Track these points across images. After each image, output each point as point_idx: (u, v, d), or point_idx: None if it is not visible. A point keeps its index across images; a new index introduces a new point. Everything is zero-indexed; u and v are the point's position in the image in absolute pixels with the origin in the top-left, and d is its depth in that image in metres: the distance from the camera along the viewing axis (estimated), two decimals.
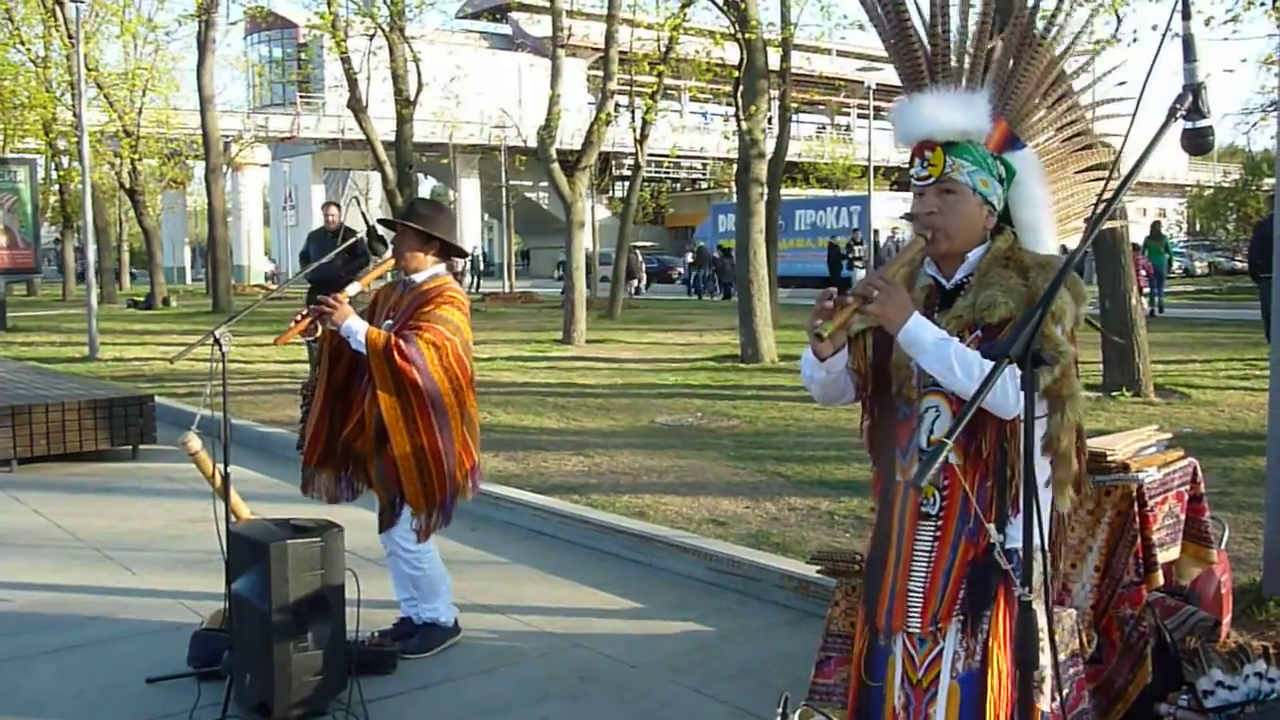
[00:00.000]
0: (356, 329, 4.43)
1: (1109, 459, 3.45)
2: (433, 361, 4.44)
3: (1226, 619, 3.88)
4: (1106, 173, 2.76)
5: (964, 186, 2.54)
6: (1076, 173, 2.81)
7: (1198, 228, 69.07)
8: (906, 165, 2.68)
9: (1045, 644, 2.51)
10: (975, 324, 2.49)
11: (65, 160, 32.05)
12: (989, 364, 2.36)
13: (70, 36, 22.30)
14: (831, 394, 2.70)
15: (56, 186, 33.65)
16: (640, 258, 37.92)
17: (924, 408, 2.55)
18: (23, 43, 29.04)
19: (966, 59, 2.71)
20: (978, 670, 2.47)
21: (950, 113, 2.58)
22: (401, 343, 4.39)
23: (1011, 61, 2.71)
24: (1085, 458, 2.62)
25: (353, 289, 4.68)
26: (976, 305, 2.50)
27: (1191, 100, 2.07)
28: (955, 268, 2.60)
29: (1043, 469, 2.51)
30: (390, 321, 4.59)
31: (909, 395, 2.58)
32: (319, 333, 4.56)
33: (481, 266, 45.30)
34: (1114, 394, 10.25)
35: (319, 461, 4.68)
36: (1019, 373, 2.35)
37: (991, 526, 2.42)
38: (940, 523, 2.53)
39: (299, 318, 4.52)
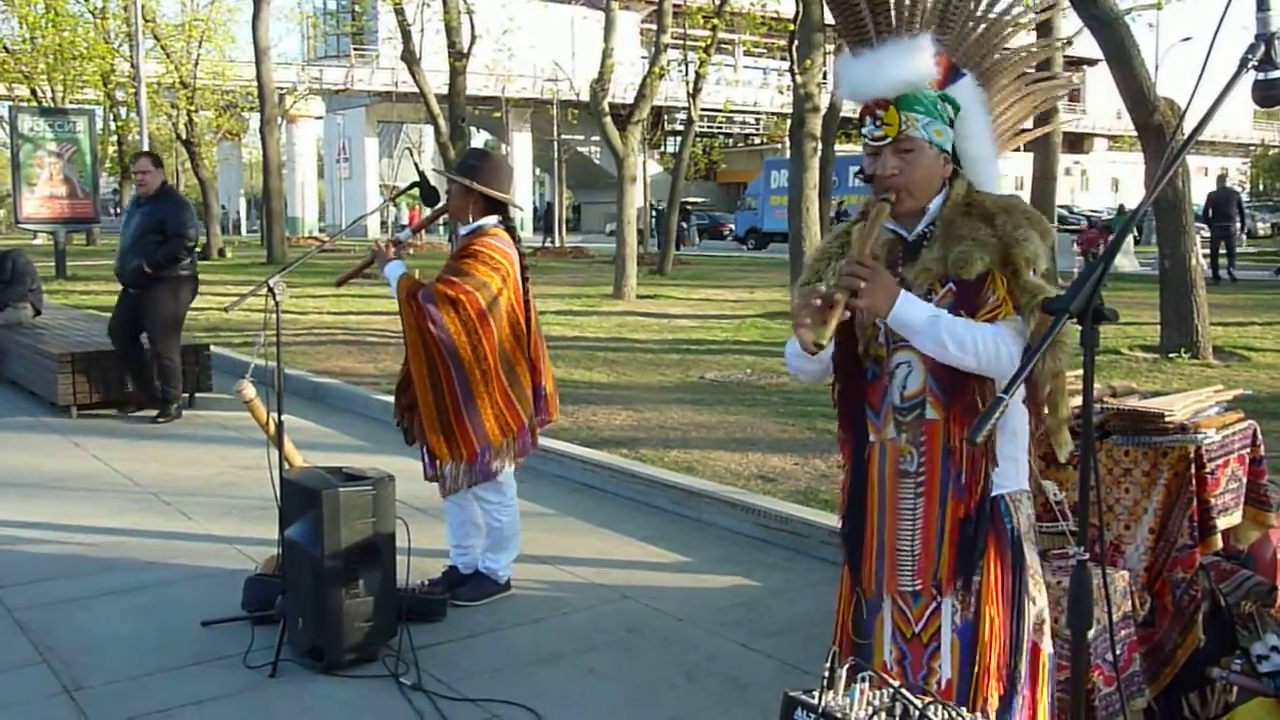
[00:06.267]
0: (394, 274, 4.48)
1: (1166, 420, 3.39)
2: (448, 314, 4.42)
3: None
4: (1050, 76, 2.69)
5: (920, 142, 2.45)
6: (1013, 81, 2.69)
7: (1261, 187, 67.64)
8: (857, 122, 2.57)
9: (1040, 584, 2.53)
10: (946, 277, 2.43)
11: (123, 111, 32.34)
12: (979, 332, 2.34)
13: None
14: (821, 374, 2.65)
15: (115, 137, 33.97)
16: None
17: (895, 364, 2.49)
18: None
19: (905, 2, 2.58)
20: (971, 621, 2.46)
21: (899, 66, 2.47)
22: (419, 293, 4.42)
23: None
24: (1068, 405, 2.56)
25: (403, 235, 4.71)
26: (949, 259, 2.43)
27: (1264, 51, 2.01)
28: (917, 220, 2.52)
29: (1020, 417, 2.50)
30: None
31: (878, 353, 2.51)
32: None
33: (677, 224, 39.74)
34: (1171, 355, 10.10)
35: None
36: (1015, 336, 2.35)
37: (1051, 484, 2.38)
38: (922, 480, 2.48)
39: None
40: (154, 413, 8.63)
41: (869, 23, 2.58)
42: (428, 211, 5.02)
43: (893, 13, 2.58)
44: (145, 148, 17.81)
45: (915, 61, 2.48)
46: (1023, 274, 2.39)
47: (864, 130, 2.51)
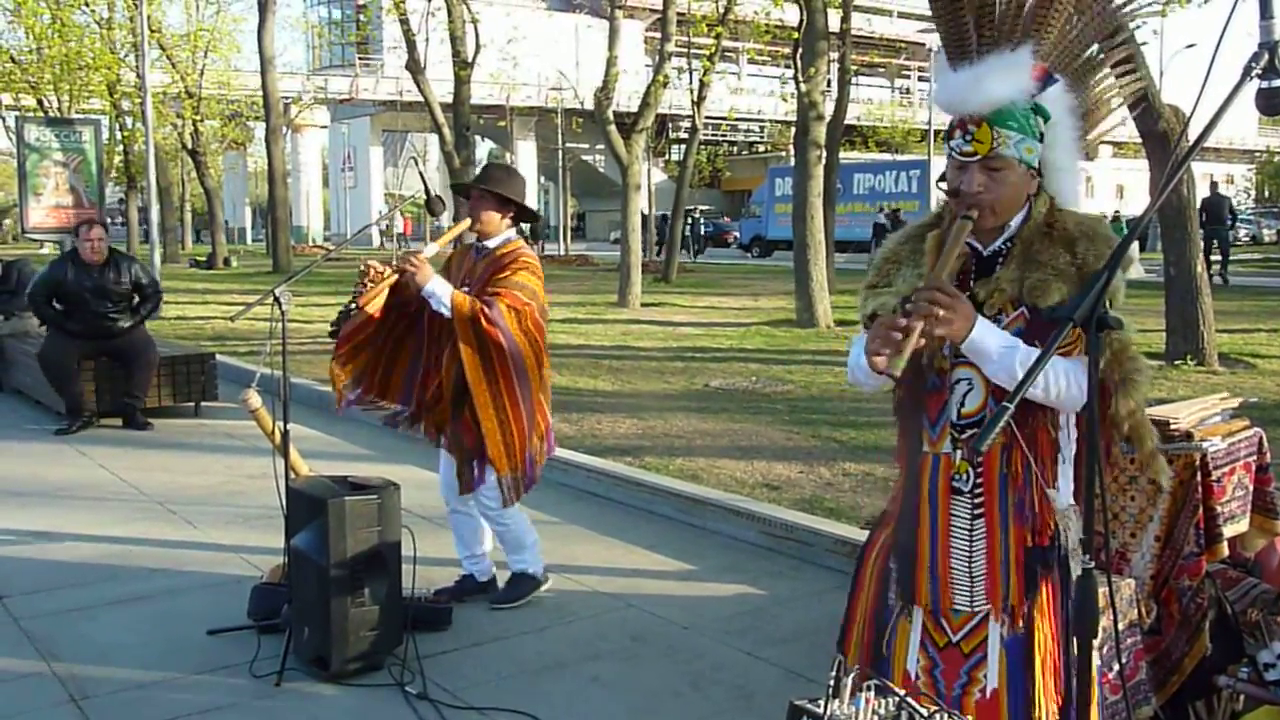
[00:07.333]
0: (440, 292, 4.44)
1: (1171, 427, 3.39)
2: (513, 325, 4.48)
3: None
4: (1132, 68, 2.62)
5: (1010, 160, 2.38)
6: (1102, 78, 2.59)
7: (1267, 194, 67.60)
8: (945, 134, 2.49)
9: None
10: (1019, 300, 2.38)
11: (129, 121, 32.43)
12: (1053, 366, 2.29)
13: None
14: (879, 385, 2.59)
15: (121, 147, 34.05)
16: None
17: (955, 379, 2.44)
18: (88, 4, 29.37)
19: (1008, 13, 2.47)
20: (1022, 635, 2.44)
21: (997, 83, 2.39)
22: (486, 308, 4.43)
23: None
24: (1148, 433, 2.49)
25: (430, 250, 4.68)
26: (1025, 285, 2.38)
27: (1268, 59, 2.01)
28: (995, 235, 2.46)
29: (1069, 445, 2.46)
30: (467, 287, 4.60)
31: (940, 365, 2.46)
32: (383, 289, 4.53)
33: (702, 231, 38.39)
34: (1177, 363, 10.08)
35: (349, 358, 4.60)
36: (1085, 370, 2.30)
37: (1056, 492, 2.37)
38: (979, 502, 2.44)
39: (372, 274, 4.45)
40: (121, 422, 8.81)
41: (972, 35, 2.47)
42: (437, 222, 5.02)
43: (996, 23, 2.47)
44: (151, 157, 17.83)
45: (1014, 77, 2.40)
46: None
47: (952, 143, 2.43)
